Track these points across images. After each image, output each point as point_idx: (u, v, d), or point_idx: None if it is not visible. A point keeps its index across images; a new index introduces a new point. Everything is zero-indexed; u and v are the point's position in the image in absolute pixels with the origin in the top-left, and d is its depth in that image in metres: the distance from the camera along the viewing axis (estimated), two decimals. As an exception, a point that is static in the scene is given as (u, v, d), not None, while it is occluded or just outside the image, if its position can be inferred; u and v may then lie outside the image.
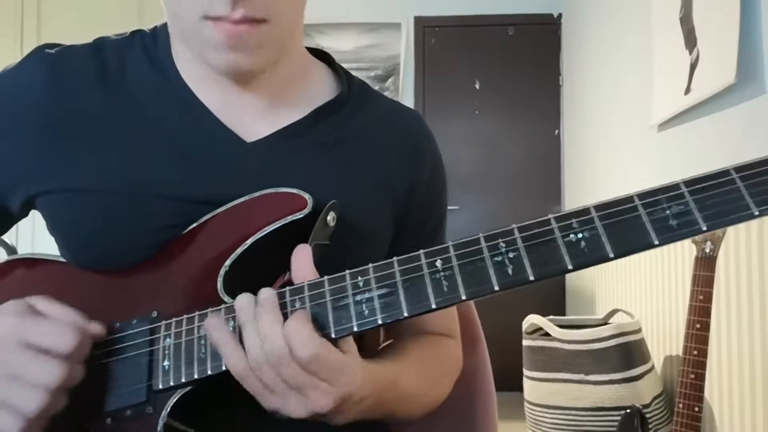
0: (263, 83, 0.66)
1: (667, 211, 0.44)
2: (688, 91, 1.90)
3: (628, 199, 0.45)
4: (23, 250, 2.80)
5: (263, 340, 0.49)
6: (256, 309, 0.50)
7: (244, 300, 0.51)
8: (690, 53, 1.90)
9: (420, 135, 0.75)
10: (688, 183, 0.44)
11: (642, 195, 0.45)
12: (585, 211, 0.46)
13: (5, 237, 2.46)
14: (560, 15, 3.79)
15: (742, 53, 1.57)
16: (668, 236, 0.43)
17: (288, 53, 0.67)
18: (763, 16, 1.52)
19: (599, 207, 0.46)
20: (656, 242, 0.43)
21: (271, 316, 0.49)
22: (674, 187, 0.44)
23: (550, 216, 0.47)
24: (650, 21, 2.25)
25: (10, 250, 2.43)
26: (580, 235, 0.45)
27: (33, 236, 3.19)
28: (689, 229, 0.43)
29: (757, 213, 0.42)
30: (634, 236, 0.44)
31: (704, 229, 0.43)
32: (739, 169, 0.43)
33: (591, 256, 0.45)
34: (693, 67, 1.87)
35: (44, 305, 0.53)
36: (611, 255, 0.44)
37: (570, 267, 0.45)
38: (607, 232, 0.45)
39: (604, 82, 2.97)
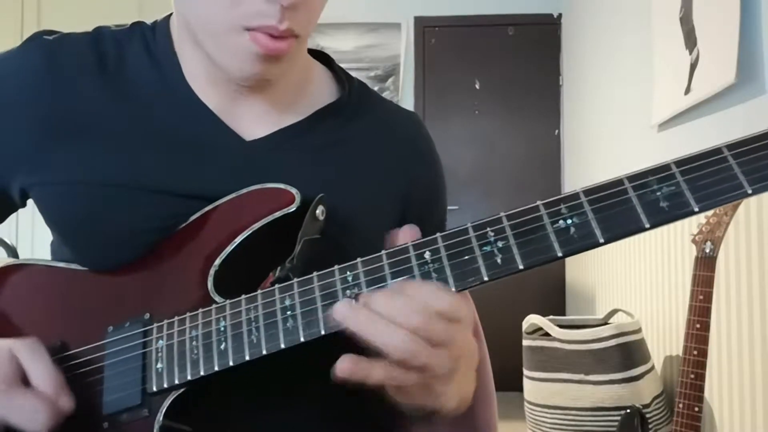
0: (267, 89, 0.65)
1: (658, 193, 0.42)
2: (688, 91, 1.90)
3: (618, 182, 0.44)
4: (23, 249, 2.80)
5: (407, 301, 0.45)
6: (373, 301, 0.46)
7: (345, 306, 0.47)
8: (690, 53, 1.90)
9: (419, 137, 0.74)
10: (679, 163, 0.43)
11: (632, 177, 0.43)
12: (574, 196, 0.45)
13: (5, 237, 2.46)
14: (560, 15, 3.79)
15: (742, 53, 1.57)
16: (659, 219, 0.42)
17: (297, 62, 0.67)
18: (763, 16, 1.52)
19: (588, 191, 0.44)
20: (647, 225, 0.42)
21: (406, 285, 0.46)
22: (665, 167, 0.43)
23: (539, 202, 0.45)
24: (650, 21, 2.24)
25: (11, 250, 2.42)
26: (569, 221, 0.44)
27: (33, 237, 3.19)
28: (681, 211, 0.42)
29: (750, 191, 0.40)
30: (625, 220, 0.43)
31: (696, 210, 0.41)
32: (731, 146, 0.42)
33: (581, 242, 0.43)
34: (693, 67, 1.87)
35: (27, 362, 0.52)
36: (601, 240, 0.43)
37: (560, 254, 0.44)
38: (597, 217, 0.43)
39: (604, 82, 2.96)
